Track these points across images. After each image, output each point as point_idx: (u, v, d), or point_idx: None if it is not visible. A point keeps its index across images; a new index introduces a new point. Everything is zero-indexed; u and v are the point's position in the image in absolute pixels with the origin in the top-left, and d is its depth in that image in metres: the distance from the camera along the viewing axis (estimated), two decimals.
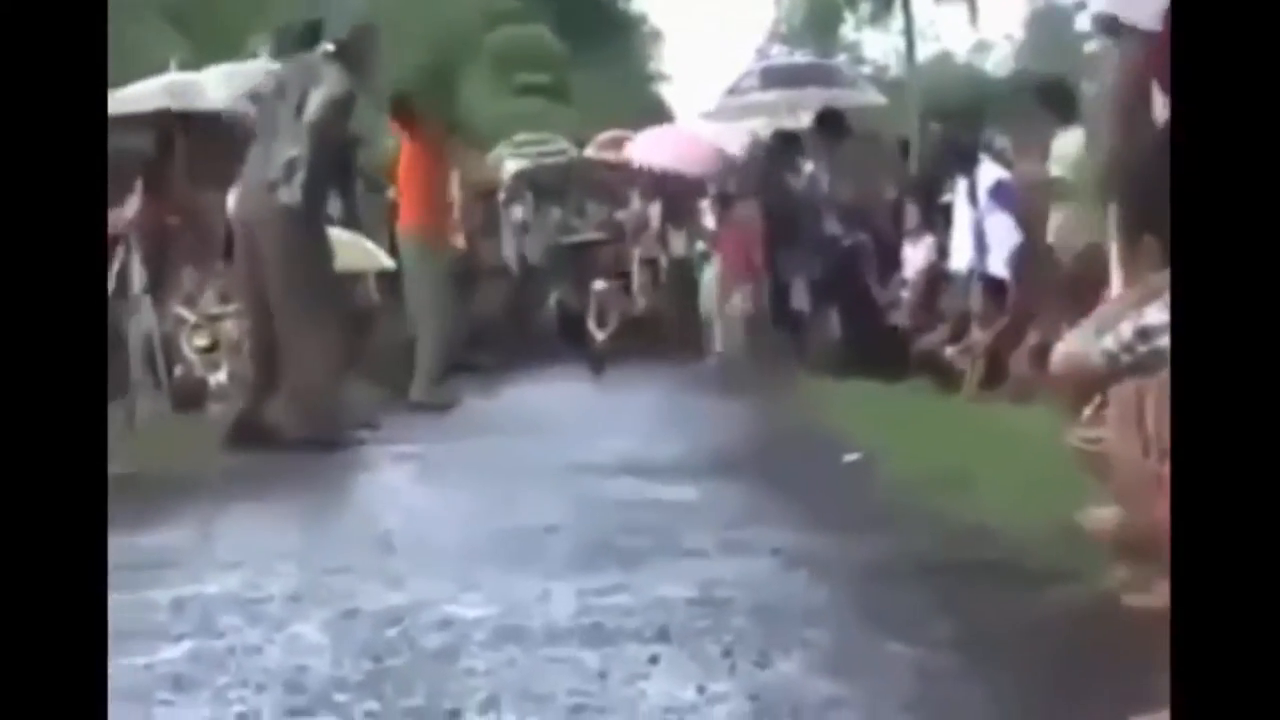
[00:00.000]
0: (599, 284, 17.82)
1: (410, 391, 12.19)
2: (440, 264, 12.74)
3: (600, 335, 17.24)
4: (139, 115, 12.49)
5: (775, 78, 17.68)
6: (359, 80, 9.65)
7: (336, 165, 10.41)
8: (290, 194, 9.21)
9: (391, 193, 14.99)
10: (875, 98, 17.21)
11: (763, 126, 16.52)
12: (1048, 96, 11.30)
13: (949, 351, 11.20)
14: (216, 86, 13.10)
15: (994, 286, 11.03)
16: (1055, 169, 11.35)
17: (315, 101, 9.29)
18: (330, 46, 9.64)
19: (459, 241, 15.21)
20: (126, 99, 12.43)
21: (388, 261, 13.80)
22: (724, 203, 16.61)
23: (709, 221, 17.22)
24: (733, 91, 18.21)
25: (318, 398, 9.22)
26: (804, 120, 15.42)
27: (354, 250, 13.56)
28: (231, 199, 10.45)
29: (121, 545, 6.10)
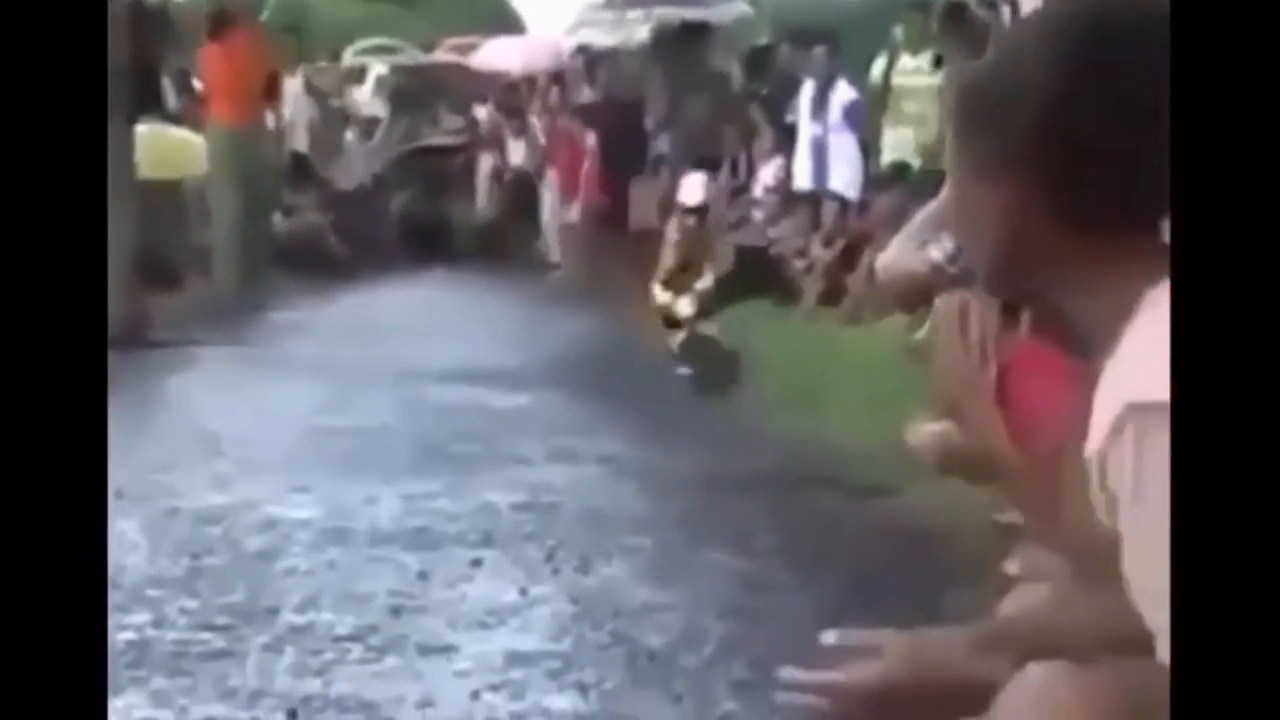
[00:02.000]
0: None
1: (215, 277, 12.00)
2: (242, 160, 12.37)
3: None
4: None
5: None
6: None
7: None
8: None
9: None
10: (743, 8, 16.86)
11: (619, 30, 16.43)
12: (902, 17, 11.33)
13: (796, 266, 11.21)
14: None
15: (837, 205, 11.08)
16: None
17: None
18: None
19: (299, 142, 14.98)
20: None
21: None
22: (554, 113, 16.54)
23: (538, 131, 17.14)
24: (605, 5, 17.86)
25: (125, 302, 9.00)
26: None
27: (183, 150, 13.25)
28: None
29: None
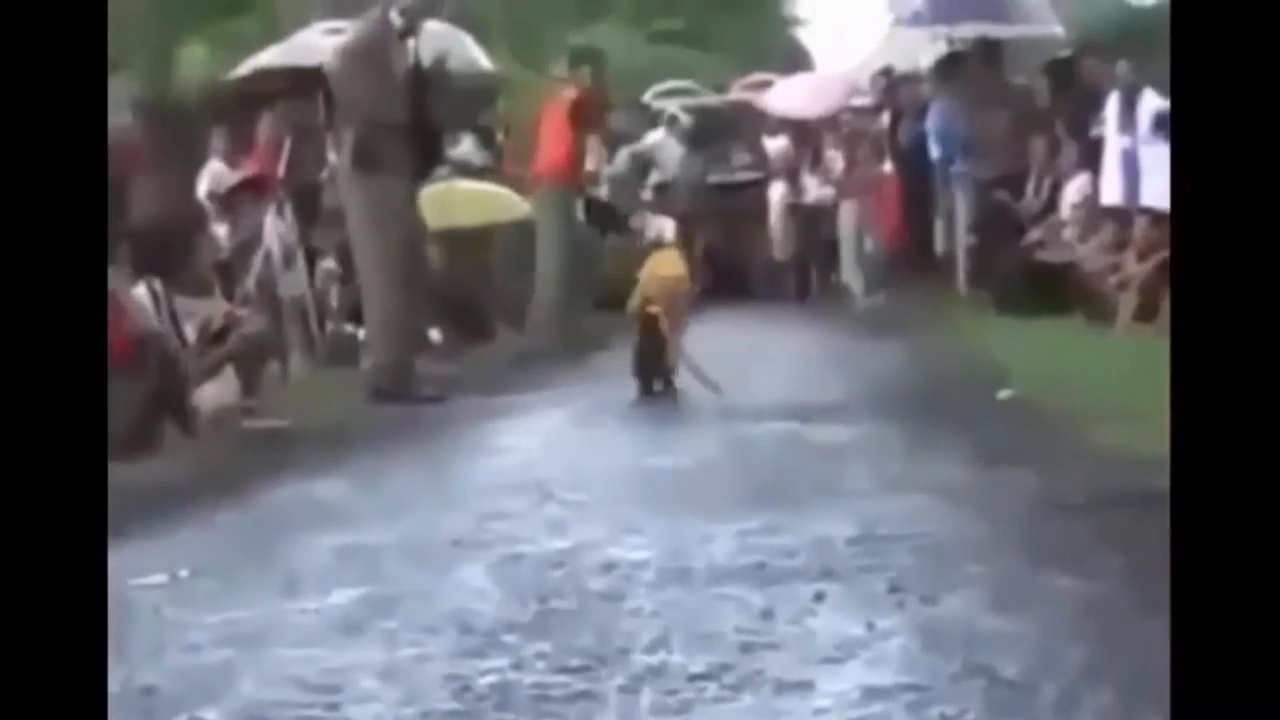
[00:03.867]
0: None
1: (526, 333, 12.26)
2: (567, 212, 12.68)
3: None
4: (279, 70, 12.56)
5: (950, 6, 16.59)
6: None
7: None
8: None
9: (501, 138, 15.00)
10: (1053, 25, 16.23)
11: (913, 55, 16.22)
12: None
13: (1109, 281, 11.02)
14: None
15: (1151, 219, 10.86)
16: None
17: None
18: None
19: (602, 191, 15.20)
20: (279, 53, 12.58)
21: (527, 208, 13.80)
22: (852, 145, 16.47)
23: (838, 165, 17.08)
24: (903, 21, 17.39)
25: (395, 358, 9.25)
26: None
27: (494, 200, 13.60)
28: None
29: (281, 495, 6.21)
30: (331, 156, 10.43)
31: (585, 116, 12.84)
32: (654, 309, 8.61)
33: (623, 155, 17.09)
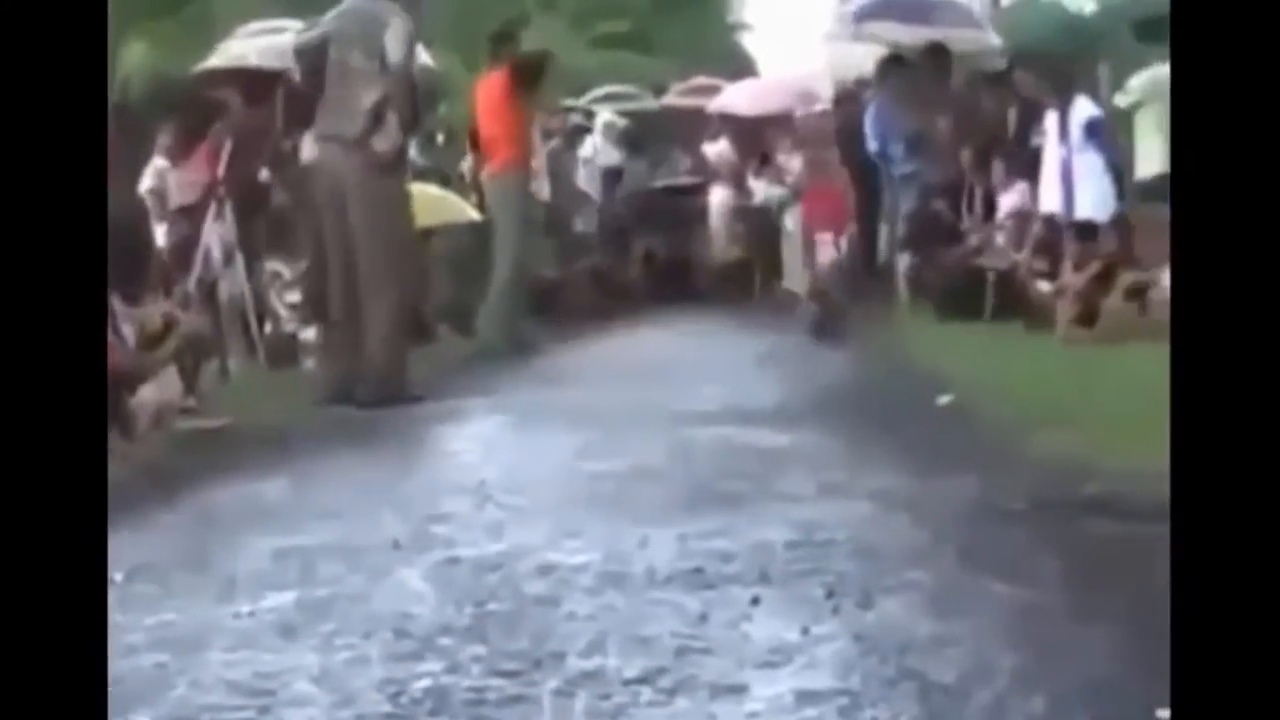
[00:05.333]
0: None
1: (478, 327, 12.20)
2: (524, 205, 12.63)
3: None
4: (223, 70, 12.50)
5: (900, 10, 16.60)
6: (415, 14, 9.47)
7: (418, 111, 10.29)
8: (386, 141, 9.08)
9: (441, 140, 14.97)
10: (993, 39, 16.36)
11: (863, 59, 16.24)
12: (1148, 29, 11.20)
13: (1043, 289, 11.09)
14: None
15: (1085, 228, 10.93)
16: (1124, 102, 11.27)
17: (393, 42, 9.11)
18: None
19: (543, 192, 15.18)
20: (221, 53, 12.52)
21: (475, 214, 13.81)
22: (805, 148, 16.47)
23: (793, 168, 17.10)
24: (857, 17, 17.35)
25: (394, 359, 9.19)
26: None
27: (442, 204, 13.59)
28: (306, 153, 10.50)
29: (220, 495, 6.18)
30: (309, 152, 10.27)
31: (519, 80, 12.62)
32: None
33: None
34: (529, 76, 12.82)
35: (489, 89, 12.67)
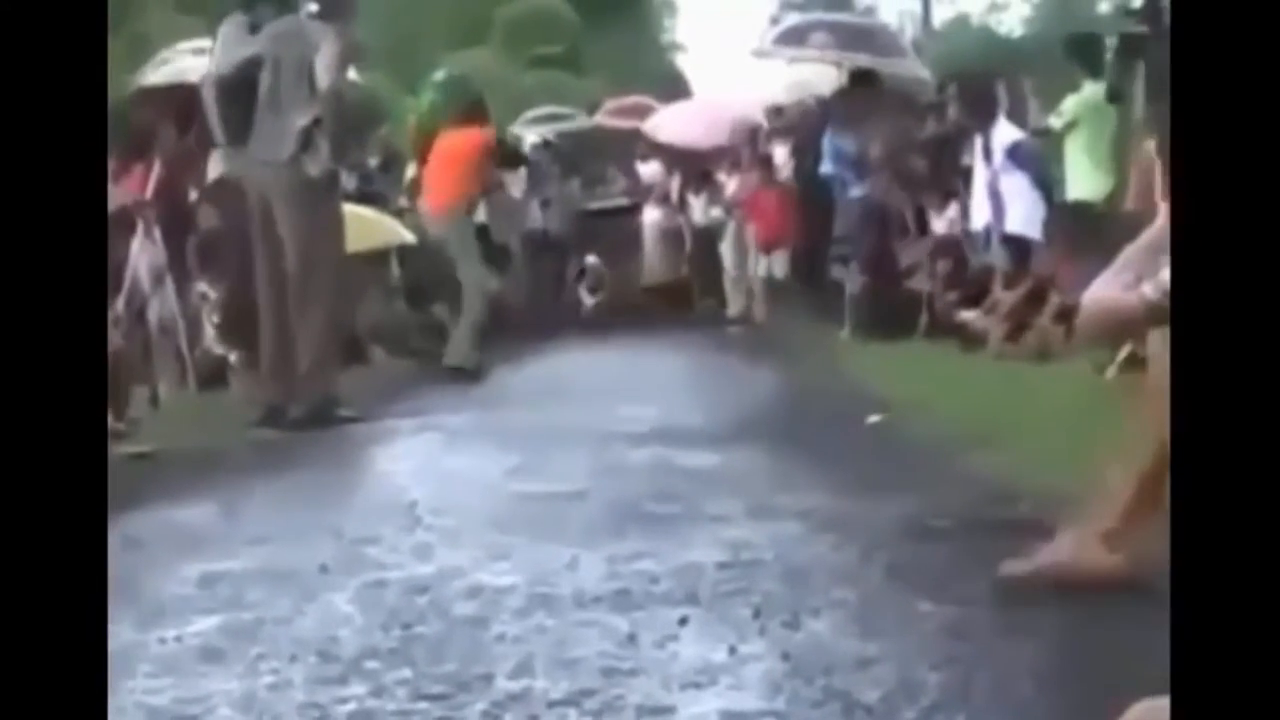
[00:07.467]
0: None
1: (446, 357, 12.19)
2: (471, 235, 12.77)
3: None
4: (156, 89, 12.46)
5: (834, 35, 16.73)
6: (347, 37, 9.41)
7: (351, 133, 10.29)
8: (316, 164, 9.03)
9: (411, 169, 14.99)
10: (920, 70, 16.55)
11: (792, 87, 16.37)
12: (1077, 51, 11.31)
13: (971, 315, 11.19)
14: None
15: (1015, 246, 11.03)
16: (1058, 123, 11.37)
17: (323, 65, 9.06)
18: (314, 7, 9.35)
19: (477, 214, 15.16)
20: (147, 73, 12.47)
21: (409, 236, 13.82)
22: (759, 166, 16.52)
23: (730, 189, 17.15)
24: (783, 39, 17.45)
25: (323, 378, 9.17)
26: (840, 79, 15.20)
27: (377, 226, 13.58)
28: (212, 170, 10.47)
29: (148, 521, 6.13)
30: (215, 169, 10.24)
31: (496, 158, 13.55)
32: None
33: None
34: (504, 159, 13.92)
35: (456, 144, 12.66)
